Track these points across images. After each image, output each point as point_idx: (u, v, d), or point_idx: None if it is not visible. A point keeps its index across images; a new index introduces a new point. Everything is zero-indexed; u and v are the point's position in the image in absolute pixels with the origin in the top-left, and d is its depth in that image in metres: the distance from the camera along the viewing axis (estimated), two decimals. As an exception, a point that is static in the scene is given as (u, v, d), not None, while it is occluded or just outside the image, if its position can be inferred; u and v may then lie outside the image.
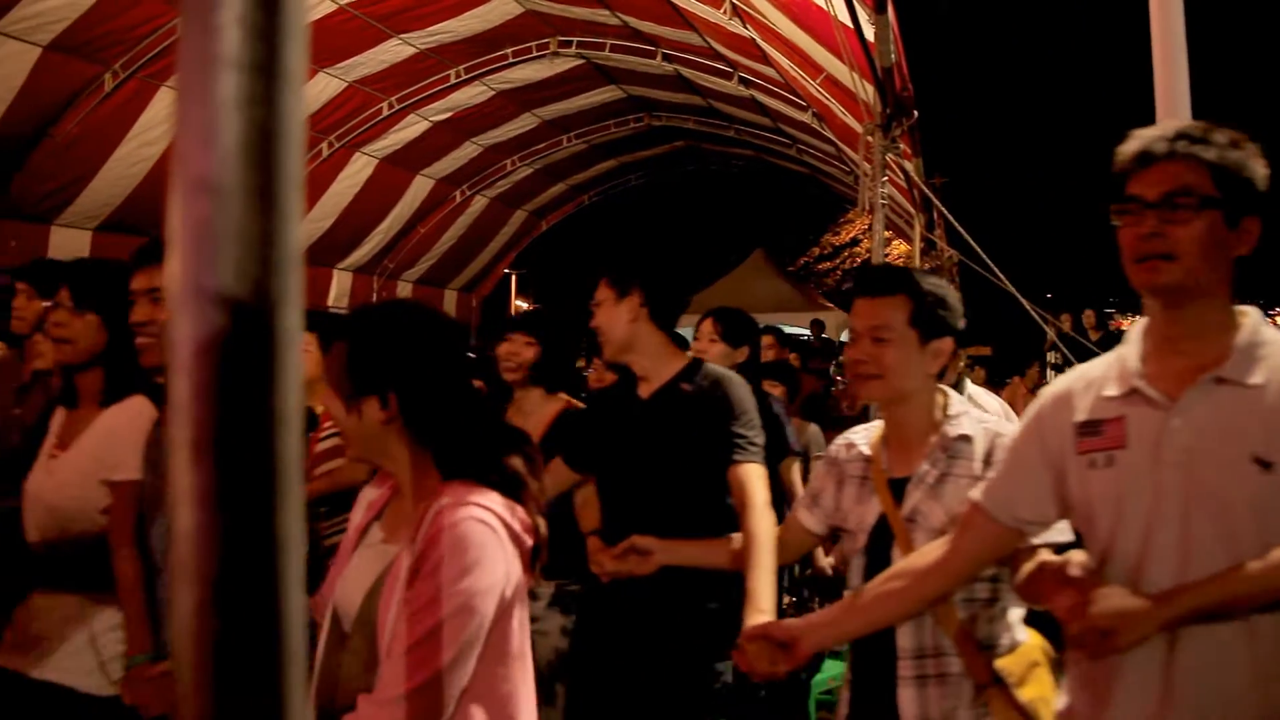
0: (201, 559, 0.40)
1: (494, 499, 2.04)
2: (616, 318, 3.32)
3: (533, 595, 4.09)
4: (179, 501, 0.41)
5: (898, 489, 2.58)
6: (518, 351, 4.12)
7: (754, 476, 3.12)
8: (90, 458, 3.04)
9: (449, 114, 10.64)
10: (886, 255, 5.91)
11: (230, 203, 0.40)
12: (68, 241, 8.37)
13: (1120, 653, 1.94)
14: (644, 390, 3.38)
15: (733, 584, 3.01)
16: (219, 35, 0.41)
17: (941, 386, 2.67)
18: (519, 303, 25.61)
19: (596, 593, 3.41)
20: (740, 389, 3.35)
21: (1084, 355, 3.04)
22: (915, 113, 4.50)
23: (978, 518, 2.25)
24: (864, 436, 2.75)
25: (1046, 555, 2.20)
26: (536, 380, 4.16)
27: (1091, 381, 2.10)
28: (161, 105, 8.28)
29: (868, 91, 4.68)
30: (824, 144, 10.17)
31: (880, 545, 2.55)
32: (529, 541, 2.11)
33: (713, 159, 15.27)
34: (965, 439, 2.52)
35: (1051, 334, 6.64)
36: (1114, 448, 2.00)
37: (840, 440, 2.83)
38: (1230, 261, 1.96)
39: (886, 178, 4.74)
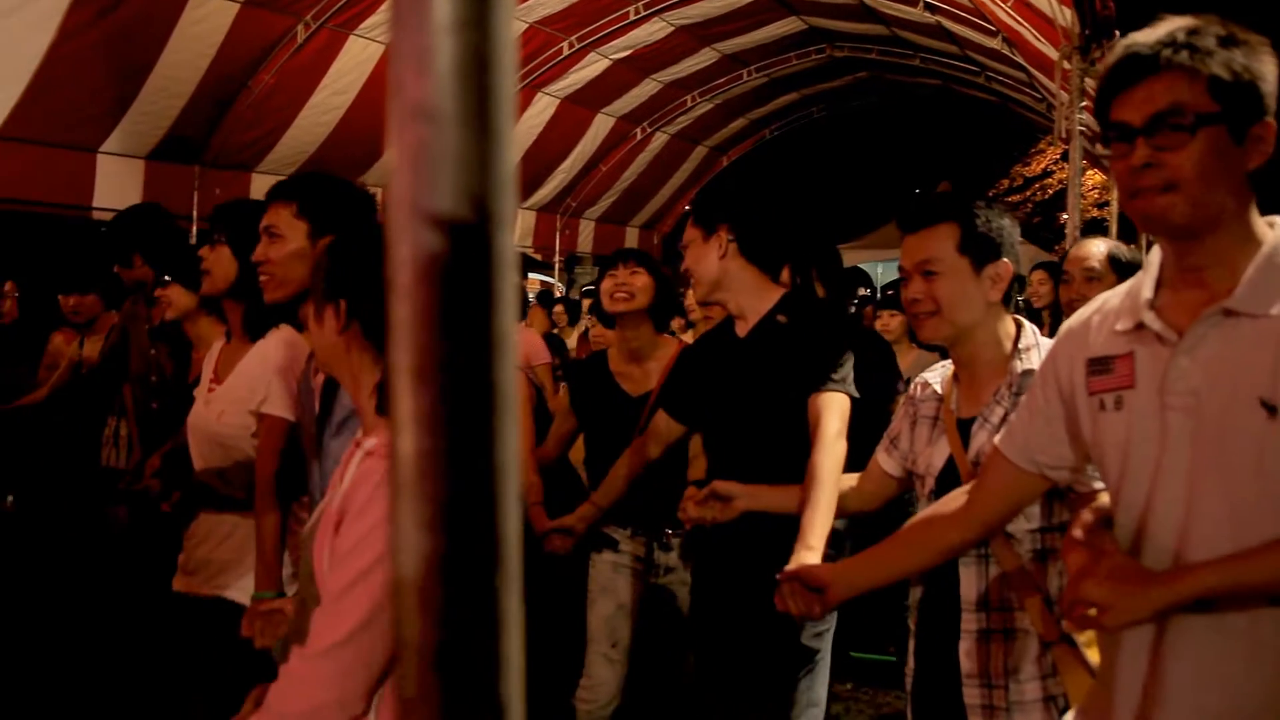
0: (424, 481, 0.41)
1: None
2: (705, 256, 3.19)
3: (614, 547, 3.98)
4: (400, 426, 0.42)
5: (966, 430, 2.45)
6: (627, 281, 3.91)
7: (828, 405, 2.96)
8: (244, 387, 3.21)
9: (629, 51, 10.63)
10: (1080, 186, 5.66)
11: (446, 127, 0.40)
12: (267, 187, 8.68)
13: (1108, 633, 1.75)
14: (740, 329, 3.25)
15: (846, 535, 2.90)
16: (431, -39, 0.41)
17: (1015, 317, 2.51)
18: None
19: (707, 542, 3.33)
20: (831, 317, 3.25)
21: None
22: (1117, 33, 4.27)
23: (997, 462, 2.10)
24: (939, 375, 2.63)
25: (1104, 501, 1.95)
26: (648, 314, 3.96)
27: (1108, 313, 1.88)
28: (351, 54, 8.52)
29: (1065, 14, 4.47)
30: (1014, 70, 9.79)
31: (948, 489, 2.40)
32: None
33: (896, 90, 14.87)
34: (1032, 374, 2.31)
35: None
36: (1123, 387, 1.79)
37: (918, 379, 2.70)
38: (1242, 177, 1.69)
39: (1084, 104, 4.54)
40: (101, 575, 4.82)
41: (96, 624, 4.82)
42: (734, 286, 3.19)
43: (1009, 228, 2.49)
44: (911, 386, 2.73)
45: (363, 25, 8.34)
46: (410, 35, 0.41)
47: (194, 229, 8.12)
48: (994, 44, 9.06)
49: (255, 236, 3.08)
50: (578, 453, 4.32)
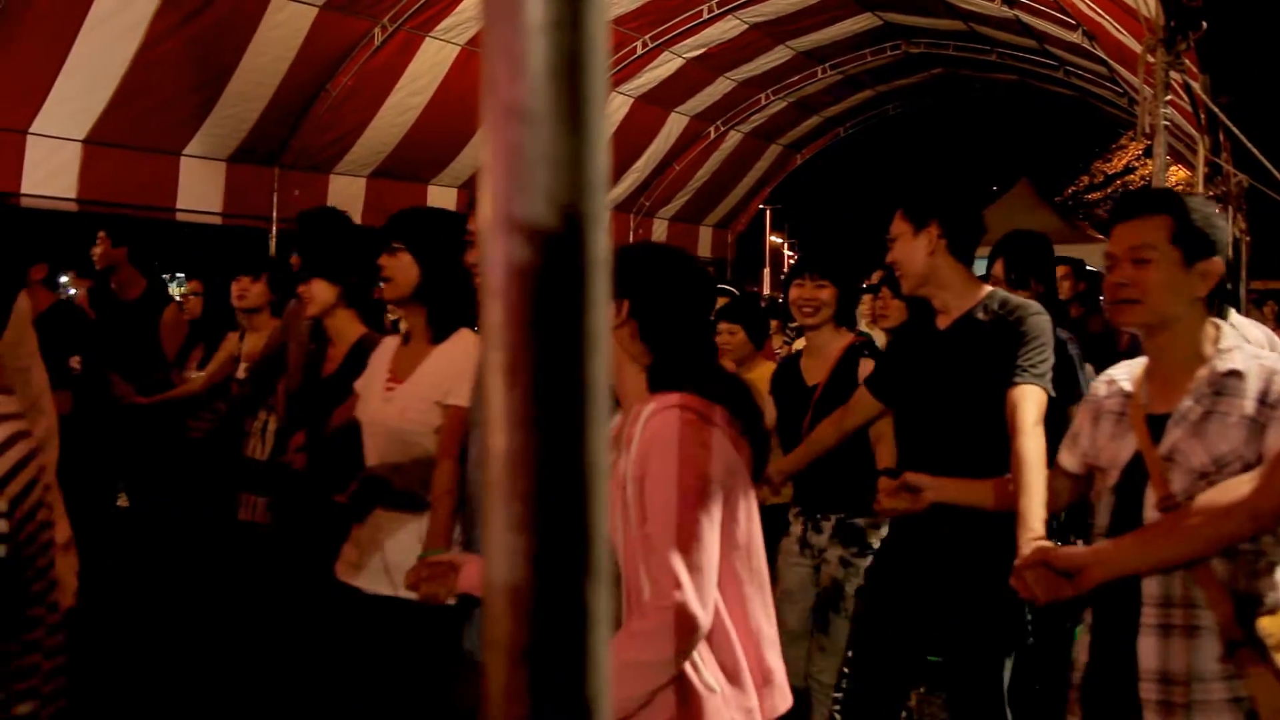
0: (516, 478, 0.42)
1: (695, 400, 2.11)
2: (915, 251, 3.28)
3: (786, 529, 4.16)
4: (493, 423, 0.42)
5: (1156, 426, 2.41)
6: (814, 295, 4.16)
7: (1026, 397, 3.03)
8: (430, 386, 3.34)
9: (702, 50, 10.61)
10: (1165, 183, 5.55)
11: (540, 127, 0.41)
12: (344, 189, 8.85)
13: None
14: (943, 322, 3.35)
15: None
16: (523, -38, 0.41)
17: (1215, 319, 2.46)
18: (773, 238, 25.47)
19: (902, 529, 3.43)
20: (1037, 316, 3.25)
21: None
22: (1204, 24, 4.19)
23: None
24: (1126, 372, 2.60)
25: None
26: (833, 317, 4.22)
27: None
28: (427, 56, 8.60)
29: (1148, 5, 4.39)
30: (1094, 64, 9.61)
31: (1132, 484, 2.41)
32: (745, 446, 2.17)
33: (973, 85, 14.66)
34: (1236, 375, 2.32)
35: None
36: None
37: (1102, 377, 2.69)
38: None
39: (1169, 98, 4.45)
40: (238, 562, 4.92)
41: (242, 613, 4.92)
42: (940, 281, 3.31)
43: (1223, 228, 2.49)
44: (1095, 384, 2.75)
45: (439, 27, 8.42)
46: (503, 36, 0.41)
47: (273, 230, 8.27)
48: (1074, 37, 8.90)
49: (437, 244, 3.32)
50: None
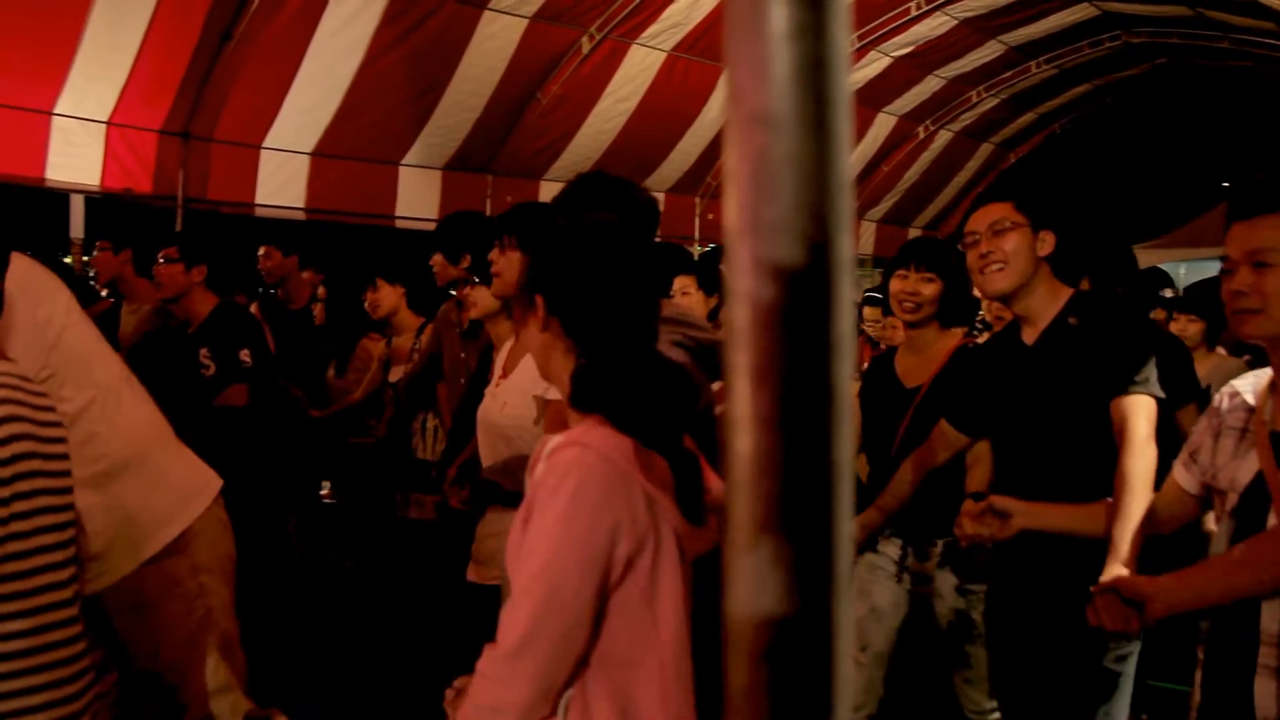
0: (761, 479, 0.42)
1: (603, 436, 1.84)
2: (1028, 249, 2.97)
3: (873, 547, 3.84)
4: (738, 425, 0.43)
5: None
6: (916, 290, 3.76)
7: (1134, 409, 2.77)
8: (528, 379, 3.32)
9: (910, 48, 10.44)
10: None
11: (785, 134, 0.41)
12: (554, 194, 9.03)
13: None
14: (1028, 335, 3.05)
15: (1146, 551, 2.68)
16: (767, -29, 0.42)
17: None
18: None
19: (1003, 556, 3.12)
20: (1133, 317, 3.03)
21: None
22: None
23: None
24: (1251, 384, 2.35)
25: None
26: (935, 316, 3.81)
27: None
28: (633, 63, 8.74)
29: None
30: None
31: (1254, 508, 2.17)
32: (662, 494, 1.88)
33: (1201, 76, 13.93)
34: None
35: None
36: None
37: (1225, 388, 2.43)
38: None
39: None
40: (406, 559, 5.14)
41: (400, 606, 5.14)
42: (1032, 287, 3.01)
43: None
44: (1217, 396, 2.49)
45: (644, 34, 8.54)
46: (748, 44, 0.41)
47: (487, 235, 8.54)
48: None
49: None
50: None
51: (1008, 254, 2.96)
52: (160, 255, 5.14)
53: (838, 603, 0.43)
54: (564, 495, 1.78)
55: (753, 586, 0.43)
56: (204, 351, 5.12)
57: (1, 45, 5.58)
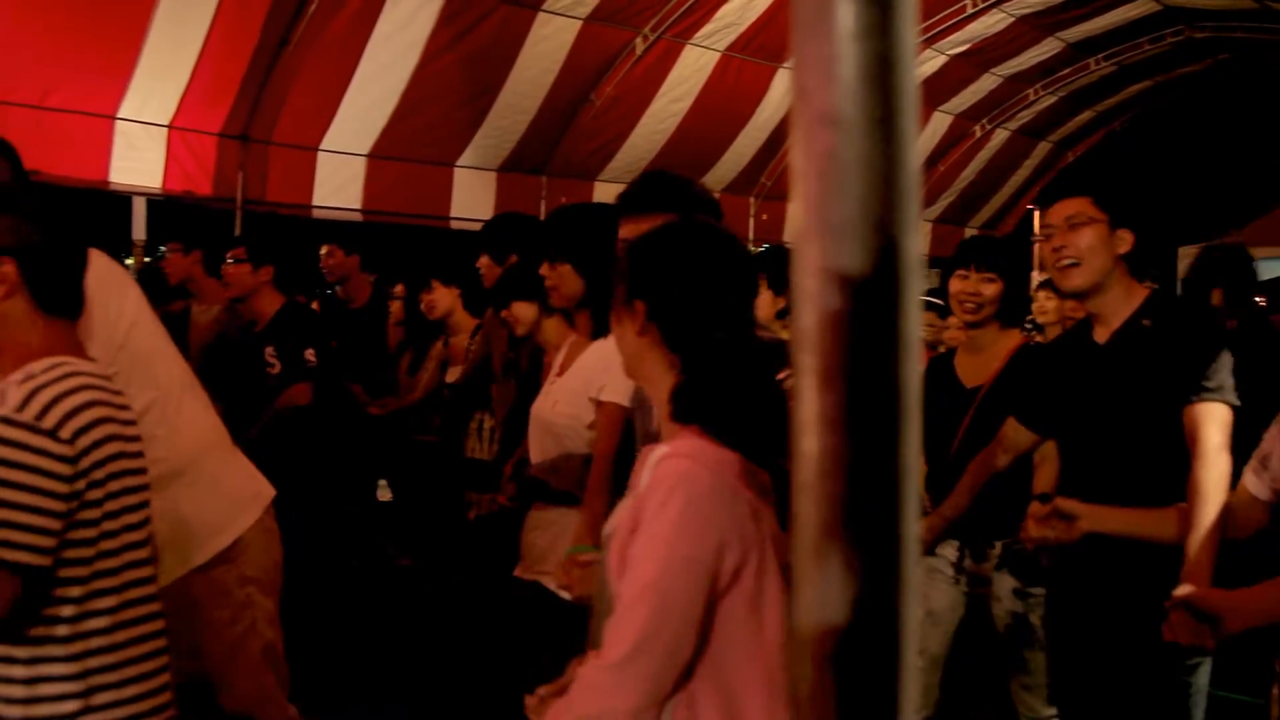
0: (827, 481, 0.42)
1: (709, 449, 1.84)
2: (1105, 247, 2.89)
3: (930, 550, 3.79)
4: (804, 426, 0.43)
5: None
6: (977, 290, 3.72)
7: (1206, 417, 2.69)
8: (581, 380, 3.38)
9: (966, 46, 10.34)
10: None
11: (853, 134, 0.41)
12: (608, 195, 9.04)
13: None
14: (1100, 334, 2.97)
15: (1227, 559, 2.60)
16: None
17: None
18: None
19: (1067, 560, 3.04)
20: (1204, 319, 2.96)
21: None
22: None
23: None
24: None
25: None
26: (995, 316, 3.77)
27: None
28: (687, 63, 8.72)
29: None
30: None
31: None
32: (764, 505, 1.88)
33: (1269, 71, 13.66)
34: None
35: None
36: None
37: None
38: None
39: None
40: (461, 558, 5.19)
41: (453, 601, 5.18)
42: (1109, 285, 2.94)
43: None
44: None
45: (698, 34, 8.52)
46: (815, 44, 0.41)
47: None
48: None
49: (595, 250, 3.25)
50: None
51: (1082, 250, 2.89)
52: (228, 255, 5.24)
53: (904, 604, 0.43)
54: (674, 508, 1.78)
55: (818, 588, 0.43)
56: (269, 350, 5.21)
57: (69, 53, 5.69)
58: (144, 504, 2.21)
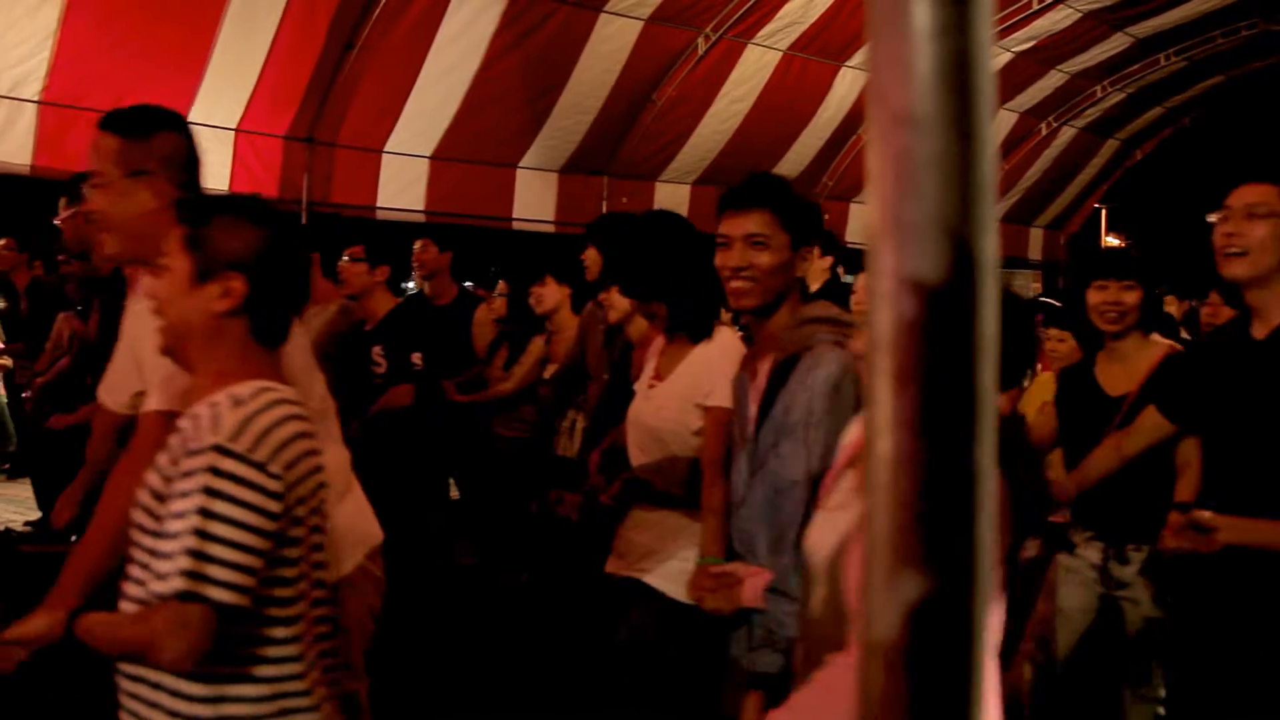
0: (901, 483, 0.42)
1: None
2: (1274, 241, 2.73)
3: (1070, 549, 3.78)
4: (878, 428, 0.42)
5: None
6: (1119, 299, 3.69)
7: None
8: (686, 385, 3.35)
9: (1032, 43, 10.21)
10: None
11: (929, 133, 0.41)
12: (670, 195, 9.08)
13: None
14: (1259, 330, 2.83)
15: None
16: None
17: None
18: (1109, 239, 24.02)
19: (1202, 572, 2.91)
20: None
21: None
22: None
23: None
24: None
25: None
26: (1137, 325, 3.74)
27: None
28: (749, 62, 8.71)
29: None
30: None
31: None
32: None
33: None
34: None
35: None
36: None
37: None
38: None
39: None
40: (548, 553, 5.20)
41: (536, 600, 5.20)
42: (1274, 278, 2.79)
43: None
44: None
45: (760, 34, 8.50)
46: (890, 43, 0.41)
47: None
48: None
49: (685, 251, 3.33)
50: None
51: (1252, 241, 2.76)
52: (345, 253, 5.32)
53: (976, 607, 0.42)
54: None
55: (891, 591, 0.43)
56: (377, 349, 5.28)
57: (140, 62, 5.80)
58: (324, 528, 2.13)
